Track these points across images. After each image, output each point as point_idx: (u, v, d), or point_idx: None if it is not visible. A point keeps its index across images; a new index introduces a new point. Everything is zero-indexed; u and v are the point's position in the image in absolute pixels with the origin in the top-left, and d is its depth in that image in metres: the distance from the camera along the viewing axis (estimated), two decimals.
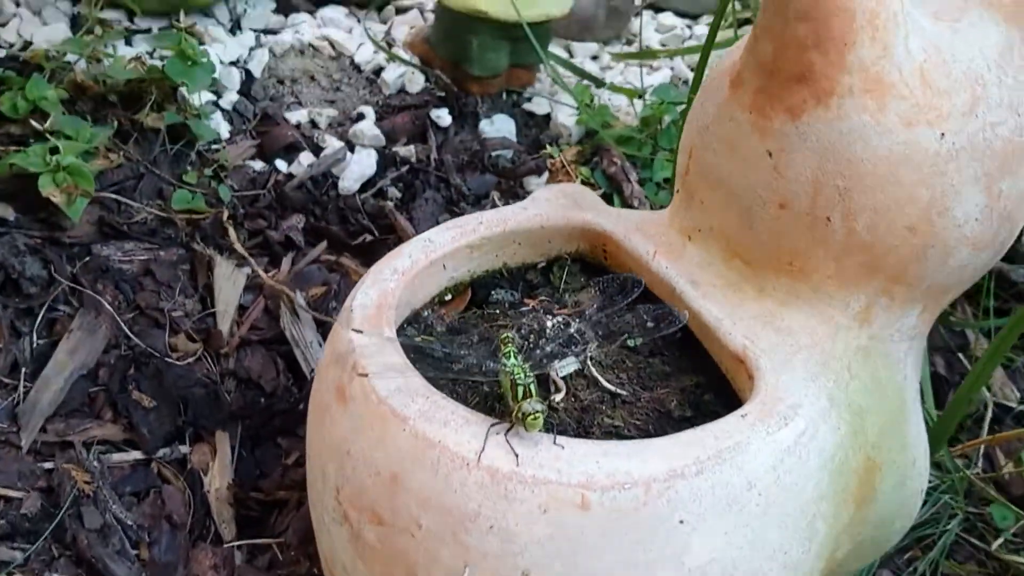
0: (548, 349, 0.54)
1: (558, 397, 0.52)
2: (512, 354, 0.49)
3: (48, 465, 0.68)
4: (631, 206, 0.99)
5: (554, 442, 0.45)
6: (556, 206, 0.66)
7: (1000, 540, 0.77)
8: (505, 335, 0.51)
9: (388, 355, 0.51)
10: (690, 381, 0.57)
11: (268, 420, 0.76)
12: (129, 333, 0.79)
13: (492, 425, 0.46)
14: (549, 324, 0.56)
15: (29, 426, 0.70)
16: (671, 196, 1.03)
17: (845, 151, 0.50)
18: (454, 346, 0.53)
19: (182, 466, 0.72)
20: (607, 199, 1.04)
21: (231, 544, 0.67)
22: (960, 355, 0.97)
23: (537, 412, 0.45)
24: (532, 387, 0.46)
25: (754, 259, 0.56)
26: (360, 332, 0.51)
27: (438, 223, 0.99)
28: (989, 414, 0.89)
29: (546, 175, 1.06)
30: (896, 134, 0.49)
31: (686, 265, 0.60)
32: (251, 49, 1.16)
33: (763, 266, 0.56)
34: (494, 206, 1.04)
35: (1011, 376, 0.96)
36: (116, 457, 0.71)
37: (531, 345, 0.54)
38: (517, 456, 0.44)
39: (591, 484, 0.44)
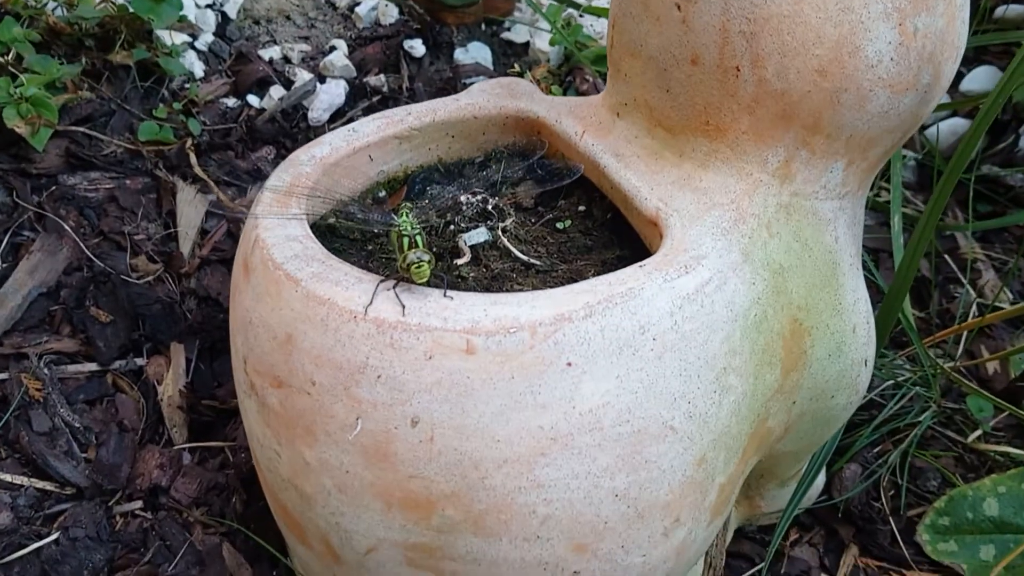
0: (464, 226, 0.53)
1: (461, 261, 0.51)
2: (405, 213, 0.49)
3: (2, 375, 0.70)
4: None
5: (444, 295, 0.45)
6: (490, 96, 0.65)
7: (978, 432, 0.74)
8: (403, 204, 0.50)
9: (290, 228, 0.50)
10: (612, 254, 0.56)
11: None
12: (91, 255, 0.80)
13: (381, 280, 0.45)
14: (463, 199, 0.55)
15: None
16: None
17: None
18: (356, 209, 0.52)
19: (137, 377, 0.73)
20: None
21: (180, 447, 0.68)
22: (947, 256, 0.93)
23: (422, 261, 0.44)
24: (419, 239, 0.46)
25: (674, 124, 0.55)
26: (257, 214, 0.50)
27: None
28: (973, 311, 0.86)
29: None
30: None
31: (613, 141, 0.58)
32: None
33: (682, 129, 0.54)
34: None
35: (1003, 279, 0.93)
36: (71, 368, 0.72)
37: (447, 221, 0.54)
38: (404, 307, 0.44)
39: (476, 329, 0.43)
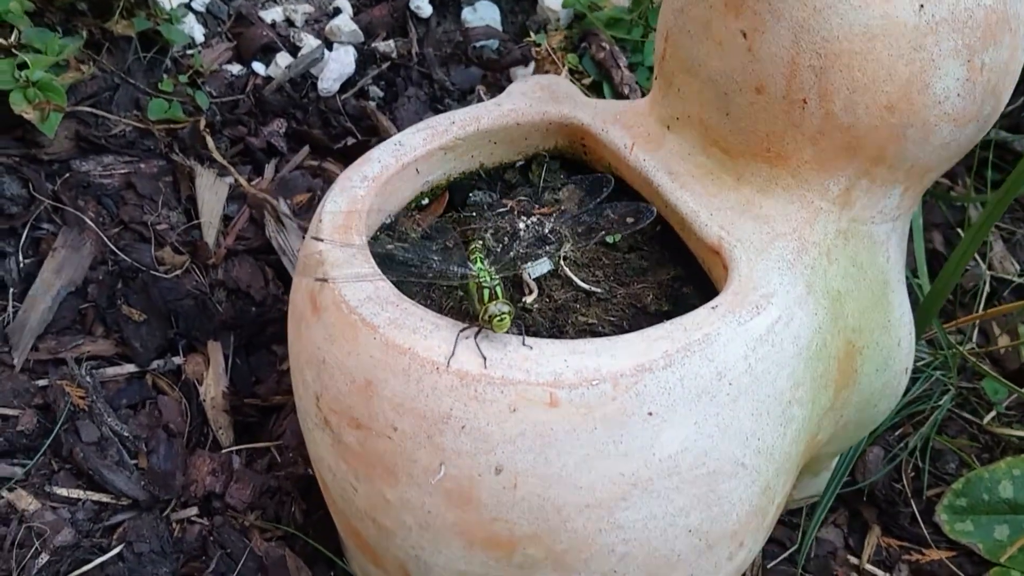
0: (521, 250, 0.53)
1: (530, 299, 0.51)
2: (479, 259, 0.49)
3: (42, 383, 0.70)
4: (621, 93, 0.97)
5: (523, 343, 0.45)
6: (531, 100, 0.64)
7: (992, 414, 0.78)
8: (473, 245, 0.50)
9: (357, 264, 0.50)
10: (667, 275, 0.56)
11: (260, 328, 0.77)
12: (115, 249, 0.79)
13: (461, 330, 0.46)
14: (522, 225, 0.55)
15: (20, 345, 0.71)
16: None
17: (820, 28, 0.48)
18: (425, 251, 0.52)
19: (176, 377, 0.73)
20: (596, 87, 1.01)
21: (229, 449, 0.69)
22: (959, 230, 0.95)
23: (504, 313, 0.45)
24: (498, 289, 0.46)
25: (732, 146, 0.55)
26: (321, 240, 0.50)
27: None
28: (986, 288, 0.88)
29: (532, 65, 1.03)
30: (872, 7, 0.47)
31: (665, 156, 0.58)
32: None
33: (741, 153, 0.54)
34: (479, 101, 1.01)
35: (1011, 249, 0.95)
36: (110, 371, 0.72)
37: (504, 247, 0.54)
38: (485, 359, 0.44)
39: (559, 383, 0.44)
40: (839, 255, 0.53)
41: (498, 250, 0.53)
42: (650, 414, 0.44)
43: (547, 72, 1.01)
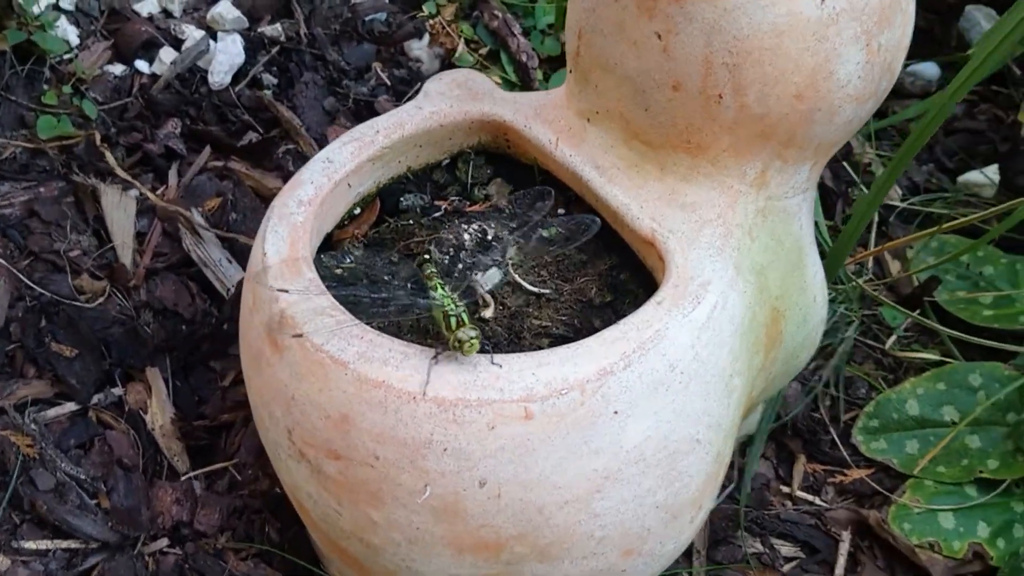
0: (468, 260, 0.55)
1: (488, 312, 0.54)
2: (438, 285, 0.50)
3: None
4: (519, 60, 0.98)
5: (491, 362, 0.48)
6: (451, 100, 0.65)
7: (892, 338, 0.85)
8: (429, 269, 0.52)
9: (313, 300, 0.51)
10: (605, 264, 0.60)
11: (195, 347, 0.76)
12: (30, 283, 0.76)
13: (432, 357, 0.48)
14: (467, 237, 0.56)
15: None
16: (558, 45, 1.02)
17: (731, 28, 0.51)
18: (377, 276, 0.53)
19: (120, 409, 0.73)
20: (494, 56, 1.02)
21: (188, 476, 0.69)
22: (844, 163, 1.02)
23: (472, 339, 0.47)
24: (463, 315, 0.48)
25: (653, 139, 0.57)
26: (285, 292, 0.51)
27: (323, 109, 0.96)
28: (875, 217, 0.95)
29: (427, 38, 1.02)
30: (778, 6, 0.50)
31: (588, 149, 0.60)
32: None
33: (662, 145, 0.57)
34: (378, 80, 1.00)
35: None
36: (51, 413, 0.71)
37: (452, 259, 0.56)
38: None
39: (531, 396, 0.47)
40: (759, 232, 0.58)
41: (445, 262, 0.55)
42: (615, 412, 0.48)
43: (442, 44, 1.01)
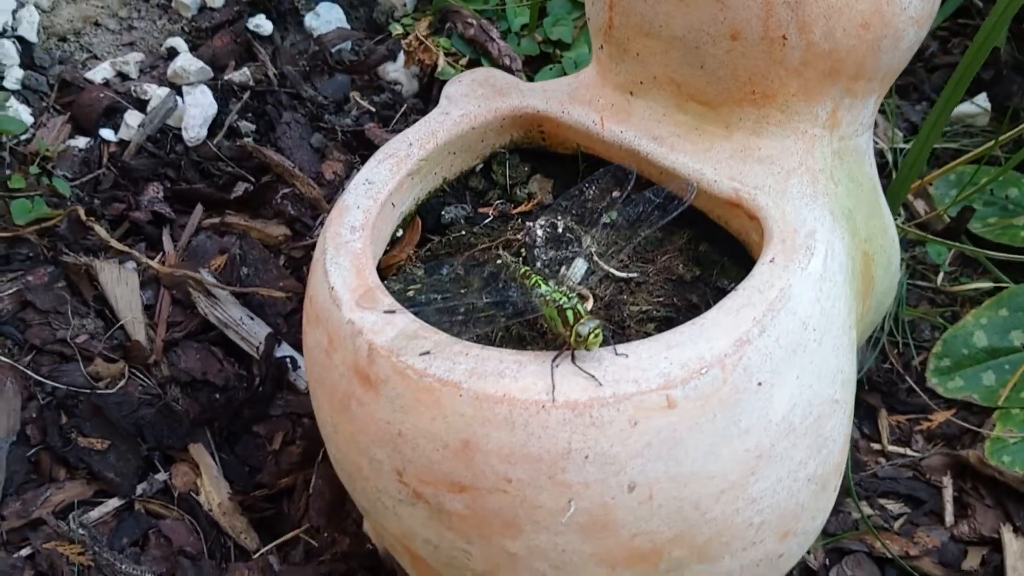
0: (547, 257, 0.51)
1: (588, 305, 0.49)
2: (540, 282, 0.46)
3: (26, 551, 0.61)
4: (503, 65, 0.94)
5: (615, 353, 0.44)
6: (477, 100, 0.61)
7: (941, 275, 0.83)
8: (523, 268, 0.47)
9: (399, 322, 0.46)
10: (683, 239, 0.56)
11: (236, 414, 0.70)
12: (39, 378, 0.70)
13: (553, 359, 0.43)
14: (540, 232, 0.52)
15: None
16: (535, 45, 0.99)
17: None
18: (454, 297, 0.49)
19: (168, 495, 0.66)
20: (474, 65, 0.98)
21: (260, 553, 0.63)
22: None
23: (595, 329, 0.43)
24: (579, 307, 0.44)
25: (712, 98, 0.54)
26: (393, 312, 0.46)
27: (311, 146, 0.91)
28: (889, 159, 0.94)
29: (401, 59, 0.98)
30: None
31: (639, 123, 0.57)
32: (14, 12, 0.99)
33: (723, 102, 0.54)
34: (360, 109, 0.96)
35: (892, 122, 1.01)
36: (95, 514, 0.64)
37: (527, 259, 0.51)
38: (595, 378, 0.42)
39: (671, 382, 0.43)
40: (840, 175, 0.55)
41: (528, 263, 0.51)
42: (760, 384, 0.44)
43: (420, 62, 0.97)
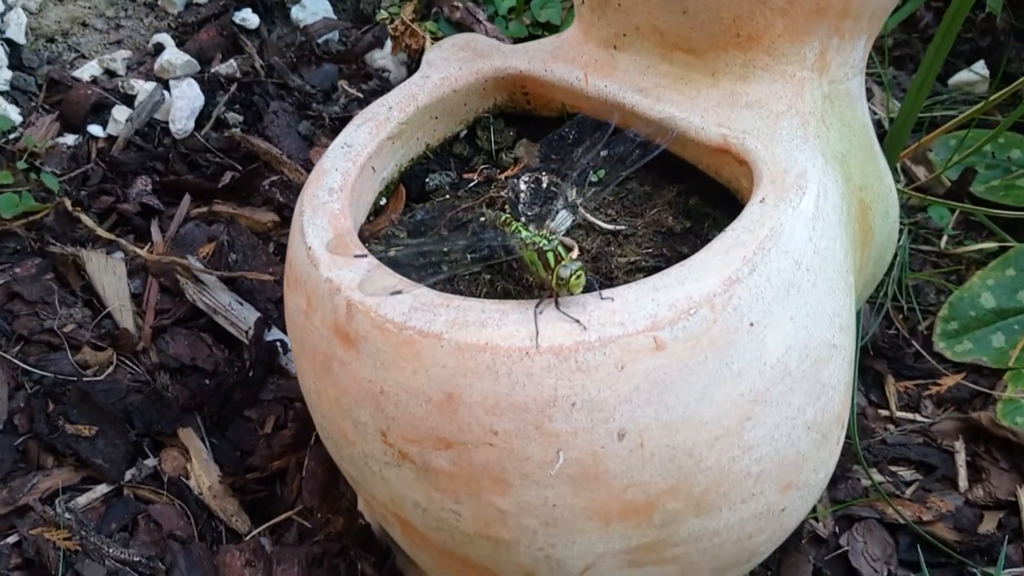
0: (532, 213, 0.49)
1: (574, 255, 0.48)
2: (520, 228, 0.45)
3: (13, 539, 0.59)
4: None
5: (601, 298, 0.42)
6: (458, 63, 0.60)
7: (944, 238, 0.81)
8: (503, 216, 0.46)
9: (379, 278, 0.45)
10: (671, 192, 0.54)
11: (225, 399, 0.69)
12: (27, 367, 0.69)
13: (536, 305, 0.42)
14: (523, 187, 0.51)
15: None
16: (523, 28, 0.98)
17: None
18: (435, 256, 0.47)
19: (158, 480, 0.65)
20: None
21: (252, 534, 0.62)
22: None
23: (577, 272, 0.41)
24: (560, 250, 0.42)
25: (697, 44, 0.53)
26: (364, 256, 0.44)
27: (299, 134, 0.90)
28: (887, 128, 0.92)
29: (388, 44, 0.97)
30: None
31: (623, 76, 0.56)
32: (2, 15, 0.98)
33: (708, 48, 0.53)
34: (347, 97, 0.95)
35: (889, 92, 1.00)
36: (83, 500, 0.63)
37: (514, 216, 0.50)
38: (579, 321, 0.41)
39: (658, 323, 0.41)
40: (831, 119, 0.53)
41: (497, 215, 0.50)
42: (752, 325, 0.42)
43: (407, 47, 0.96)
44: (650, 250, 0.50)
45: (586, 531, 0.44)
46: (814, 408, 0.46)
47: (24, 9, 0.98)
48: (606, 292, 0.42)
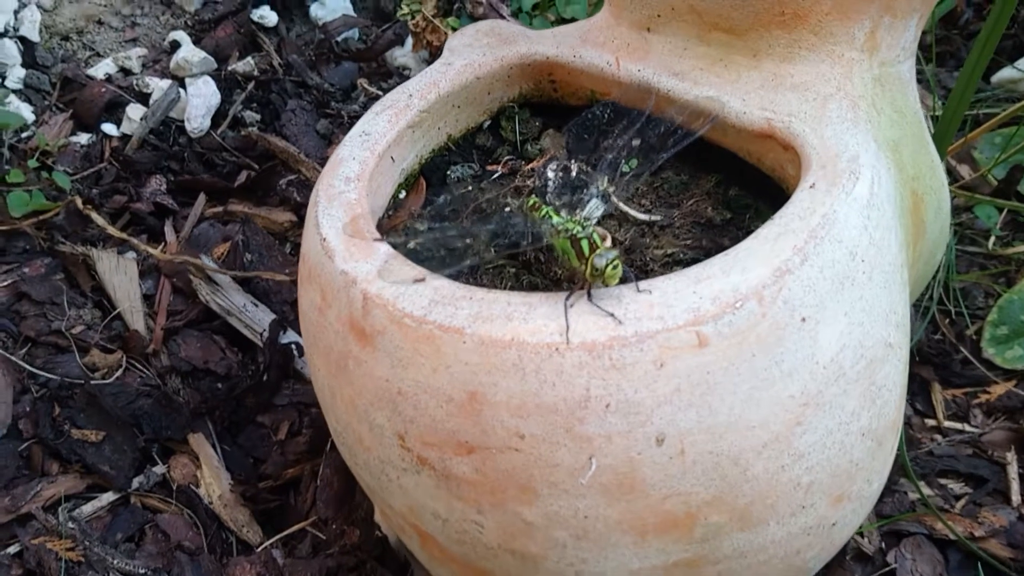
0: (560, 203, 0.46)
1: (607, 244, 0.44)
2: (551, 213, 0.41)
3: (14, 549, 0.57)
4: None
5: (638, 290, 0.39)
6: (482, 49, 0.57)
7: (992, 239, 0.77)
8: (532, 200, 0.43)
9: (399, 266, 0.42)
10: (709, 182, 0.51)
11: (238, 404, 0.66)
12: (33, 370, 0.66)
13: (567, 298, 0.38)
14: (551, 175, 0.47)
15: None
16: (547, 24, 0.95)
17: None
18: (460, 230, 0.44)
19: (166, 488, 0.62)
20: None
21: (263, 546, 0.59)
22: None
23: (613, 261, 0.38)
24: (595, 237, 0.39)
25: (737, 24, 0.49)
26: (381, 240, 0.41)
27: (317, 132, 0.88)
28: (931, 126, 0.88)
29: (410, 41, 0.95)
30: None
31: (658, 59, 0.52)
32: (16, 12, 0.97)
33: (750, 27, 0.49)
34: (367, 96, 0.92)
35: (926, 88, 0.96)
36: (88, 508, 0.60)
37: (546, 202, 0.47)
38: (613, 315, 0.37)
39: (700, 318, 0.37)
40: (882, 104, 0.49)
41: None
42: (803, 320, 0.39)
43: (428, 44, 0.93)
44: (688, 242, 0.47)
45: (620, 545, 0.41)
46: (869, 413, 0.42)
47: (39, 7, 0.97)
48: (643, 284, 0.39)
